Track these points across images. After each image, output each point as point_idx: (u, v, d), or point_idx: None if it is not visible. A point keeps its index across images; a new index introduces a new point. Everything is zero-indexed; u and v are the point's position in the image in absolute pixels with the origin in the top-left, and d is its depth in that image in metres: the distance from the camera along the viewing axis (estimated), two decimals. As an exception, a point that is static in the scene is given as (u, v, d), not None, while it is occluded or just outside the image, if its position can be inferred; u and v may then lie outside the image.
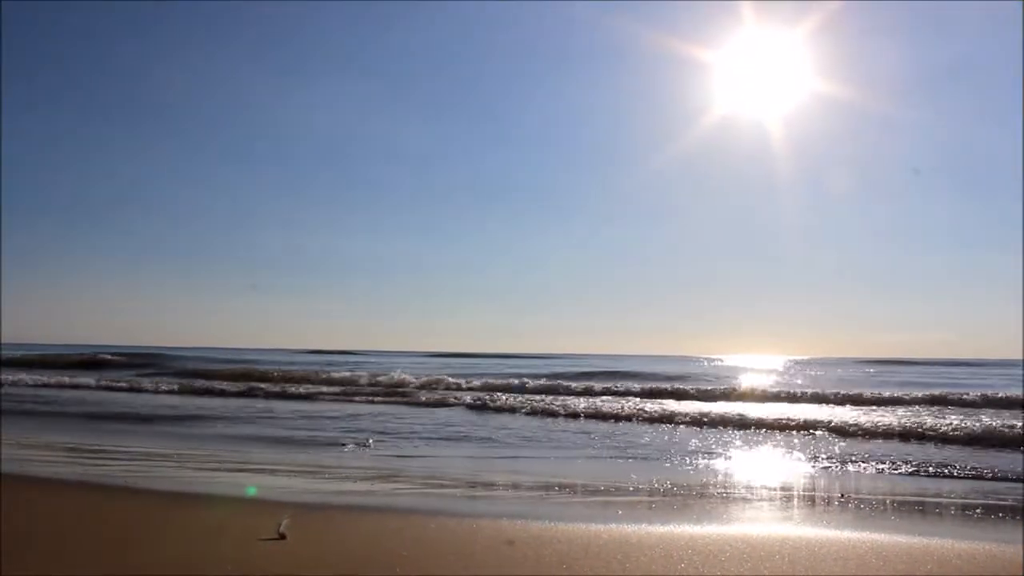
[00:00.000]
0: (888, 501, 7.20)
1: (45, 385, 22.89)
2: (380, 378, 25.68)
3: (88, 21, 67.60)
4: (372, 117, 74.96)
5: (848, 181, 59.61)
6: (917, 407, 17.49)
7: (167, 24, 68.36)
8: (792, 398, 19.89)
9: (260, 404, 18.20)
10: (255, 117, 77.26)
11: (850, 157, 68.93)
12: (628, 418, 14.74)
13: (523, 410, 16.09)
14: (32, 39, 64.41)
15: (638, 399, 19.00)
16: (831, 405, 18.36)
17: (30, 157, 71.85)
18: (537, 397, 19.21)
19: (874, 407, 17.57)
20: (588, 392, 21.26)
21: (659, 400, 19.17)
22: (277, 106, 73.85)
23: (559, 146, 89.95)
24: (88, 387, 22.57)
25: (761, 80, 37.41)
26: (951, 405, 17.75)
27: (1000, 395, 18.62)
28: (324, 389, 22.56)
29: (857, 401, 18.71)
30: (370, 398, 20.00)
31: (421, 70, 77.43)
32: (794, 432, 13.08)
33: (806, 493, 7.58)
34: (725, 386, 23.35)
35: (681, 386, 22.79)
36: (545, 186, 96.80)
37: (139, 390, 22.19)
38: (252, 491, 5.58)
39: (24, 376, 25.43)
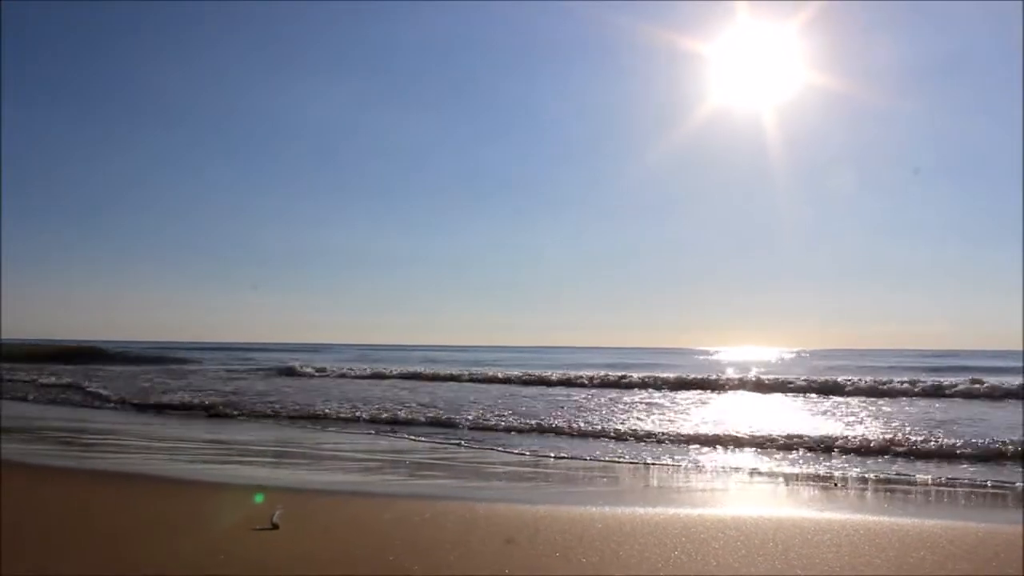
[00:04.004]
0: (881, 484, 7.22)
1: None
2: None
3: (84, 19, 67.26)
4: (366, 112, 74.82)
5: (844, 174, 59.76)
6: (908, 395, 17.63)
7: (162, 21, 68.04)
8: (781, 387, 19.95)
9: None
10: (249, 113, 77.09)
11: (846, 150, 69.19)
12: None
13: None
14: (29, 38, 64.09)
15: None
16: (822, 393, 18.48)
17: (24, 154, 71.60)
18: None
19: (866, 395, 17.69)
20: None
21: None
22: (271, 101, 73.66)
23: (554, 141, 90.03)
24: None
25: (756, 73, 37.44)
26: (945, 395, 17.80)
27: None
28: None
29: (848, 390, 18.73)
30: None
31: (415, 66, 77.29)
32: (788, 419, 13.16)
33: (799, 476, 7.58)
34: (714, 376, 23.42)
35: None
36: (540, 180, 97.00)
37: None
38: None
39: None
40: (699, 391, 19.86)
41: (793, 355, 63.31)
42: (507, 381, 23.83)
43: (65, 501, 5.67)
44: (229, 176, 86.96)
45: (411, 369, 28.68)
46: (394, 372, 27.39)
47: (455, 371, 27.15)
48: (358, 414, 13.23)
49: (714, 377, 21.85)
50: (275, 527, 4.59)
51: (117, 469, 7.49)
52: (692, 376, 22.25)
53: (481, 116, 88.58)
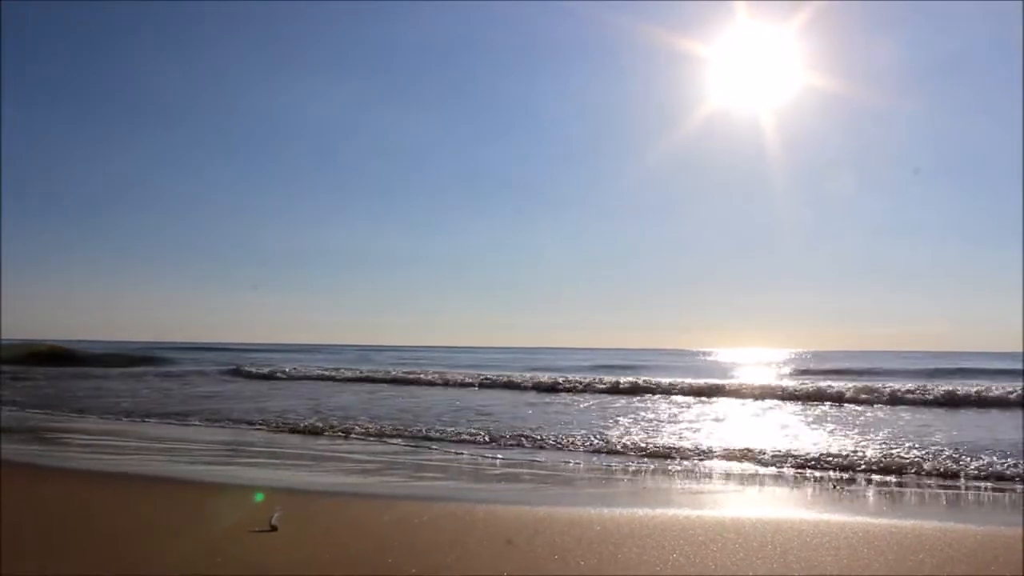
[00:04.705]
0: (880, 487, 7.22)
1: None
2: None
3: (84, 19, 67.28)
4: (366, 112, 74.87)
5: (844, 175, 59.88)
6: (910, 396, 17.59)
7: (162, 21, 68.09)
8: (778, 394, 19.80)
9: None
10: (249, 113, 77.16)
11: (846, 151, 69.30)
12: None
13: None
14: (29, 38, 64.13)
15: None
16: (822, 391, 18.40)
17: (24, 154, 71.63)
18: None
19: (867, 396, 17.65)
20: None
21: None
22: (271, 101, 73.71)
23: (554, 141, 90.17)
24: None
25: (755, 74, 37.52)
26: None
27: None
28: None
29: (849, 398, 18.65)
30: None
31: (415, 66, 77.39)
32: (789, 416, 13.17)
33: (800, 477, 7.58)
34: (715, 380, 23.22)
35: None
36: (540, 180, 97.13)
37: None
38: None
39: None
40: (693, 397, 19.67)
41: (793, 357, 63.30)
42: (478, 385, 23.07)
43: (65, 501, 5.68)
44: (229, 176, 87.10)
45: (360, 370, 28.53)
46: (346, 374, 27.13)
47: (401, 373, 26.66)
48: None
49: (711, 383, 20.90)
50: (274, 529, 4.59)
51: (115, 469, 7.49)
52: (679, 382, 21.27)
53: (481, 116, 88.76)
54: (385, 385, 23.46)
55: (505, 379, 23.88)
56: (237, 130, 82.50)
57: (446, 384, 23.58)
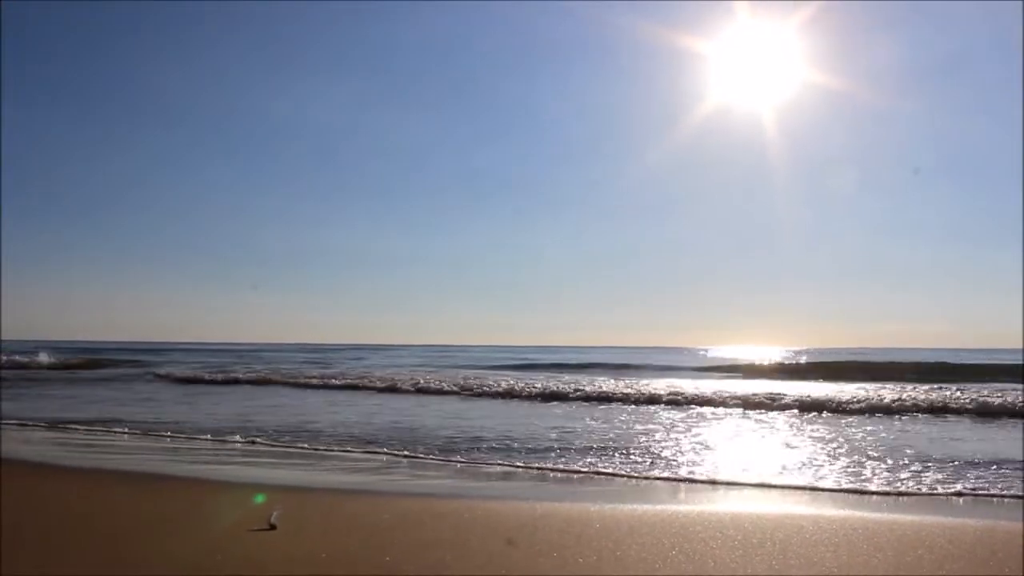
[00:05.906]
0: (880, 481, 7.21)
1: None
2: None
3: (84, 19, 67.20)
4: (366, 112, 74.84)
5: (844, 174, 59.76)
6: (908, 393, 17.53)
7: (162, 21, 68.02)
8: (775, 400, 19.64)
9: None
10: (249, 113, 77.11)
11: (846, 150, 69.28)
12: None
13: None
14: (29, 38, 64.05)
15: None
16: (820, 386, 18.30)
17: (24, 154, 71.57)
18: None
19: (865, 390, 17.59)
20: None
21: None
22: (271, 102, 73.65)
23: (554, 141, 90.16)
24: None
25: (756, 72, 37.43)
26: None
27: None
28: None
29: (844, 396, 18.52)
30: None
31: (415, 66, 77.34)
32: (789, 414, 13.16)
33: (801, 473, 7.57)
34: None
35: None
36: (540, 180, 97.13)
37: None
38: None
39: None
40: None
41: (790, 354, 63.28)
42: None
43: (64, 500, 5.67)
44: (229, 176, 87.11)
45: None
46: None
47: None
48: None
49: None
50: (273, 527, 4.59)
51: (115, 467, 7.49)
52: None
53: (481, 116, 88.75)
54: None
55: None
56: (237, 130, 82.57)
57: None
